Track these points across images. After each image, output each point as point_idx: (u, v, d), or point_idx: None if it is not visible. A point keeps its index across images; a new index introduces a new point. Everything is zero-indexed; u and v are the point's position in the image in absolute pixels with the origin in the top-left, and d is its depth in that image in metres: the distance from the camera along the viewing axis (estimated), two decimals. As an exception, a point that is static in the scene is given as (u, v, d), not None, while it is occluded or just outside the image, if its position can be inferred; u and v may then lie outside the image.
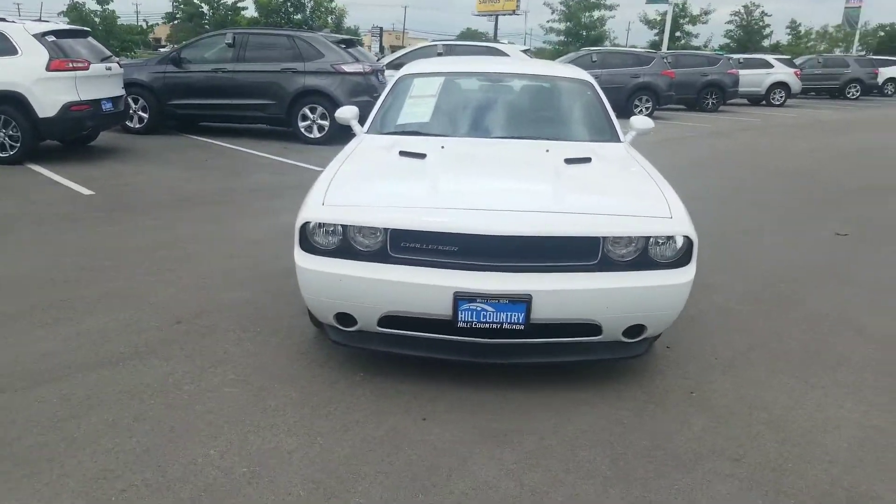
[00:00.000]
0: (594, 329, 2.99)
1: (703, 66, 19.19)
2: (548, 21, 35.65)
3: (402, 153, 3.61)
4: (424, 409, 2.95)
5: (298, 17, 22.92)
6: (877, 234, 6.22)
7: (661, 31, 31.81)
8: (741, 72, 20.16)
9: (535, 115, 4.35)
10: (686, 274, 2.96)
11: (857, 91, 25.95)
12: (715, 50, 35.97)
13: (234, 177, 7.93)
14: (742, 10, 43.74)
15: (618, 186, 3.39)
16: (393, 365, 3.30)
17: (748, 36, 43.08)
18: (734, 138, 13.56)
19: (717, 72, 18.98)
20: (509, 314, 2.86)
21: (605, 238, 2.89)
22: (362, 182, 3.30)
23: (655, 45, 34.60)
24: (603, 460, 2.63)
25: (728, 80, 19.05)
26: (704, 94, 18.85)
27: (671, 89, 16.65)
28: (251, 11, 22.89)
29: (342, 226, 2.95)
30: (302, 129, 10.57)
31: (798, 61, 25.61)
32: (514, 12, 42.05)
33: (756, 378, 3.33)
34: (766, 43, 44.98)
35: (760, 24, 44.23)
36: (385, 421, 2.85)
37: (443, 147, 3.70)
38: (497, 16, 42.60)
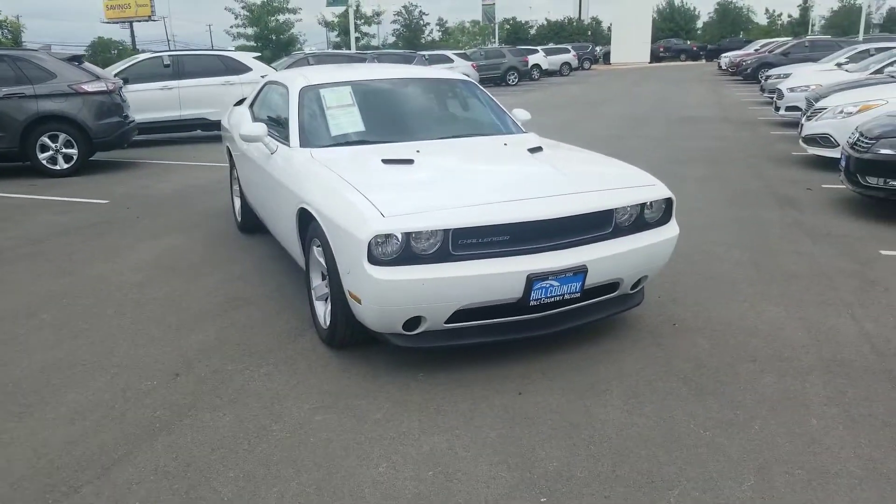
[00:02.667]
0: (614, 286, 3.56)
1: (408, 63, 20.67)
2: (232, 27, 34.68)
3: (386, 161, 3.74)
4: (510, 386, 3.23)
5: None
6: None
7: (341, 33, 33.00)
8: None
9: (456, 115, 4.73)
10: (674, 229, 3.69)
11: (515, 77, 30.09)
12: (383, 48, 38.51)
13: (10, 225, 6.74)
14: (403, 10, 47.66)
15: (598, 166, 3.97)
16: (436, 360, 3.47)
17: (413, 34, 47.01)
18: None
19: (415, 68, 20.59)
20: (570, 285, 3.28)
21: (616, 209, 3.46)
22: (395, 191, 3.38)
23: (337, 47, 35.82)
24: (678, 385, 3.22)
25: (426, 75, 20.79)
26: (409, 89, 20.33)
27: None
28: None
29: (405, 233, 3.06)
30: (44, 162, 9.21)
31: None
32: (149, 18, 39.85)
33: (703, 303, 4.21)
34: (423, 40, 49.50)
35: (420, 22, 48.61)
36: (493, 403, 3.08)
37: (418, 151, 3.90)
38: (132, 22, 40.04)
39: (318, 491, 2.50)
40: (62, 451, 2.78)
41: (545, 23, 61.85)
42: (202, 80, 12.42)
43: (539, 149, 4.10)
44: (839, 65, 16.47)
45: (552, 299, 3.28)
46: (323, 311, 3.75)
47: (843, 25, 55.38)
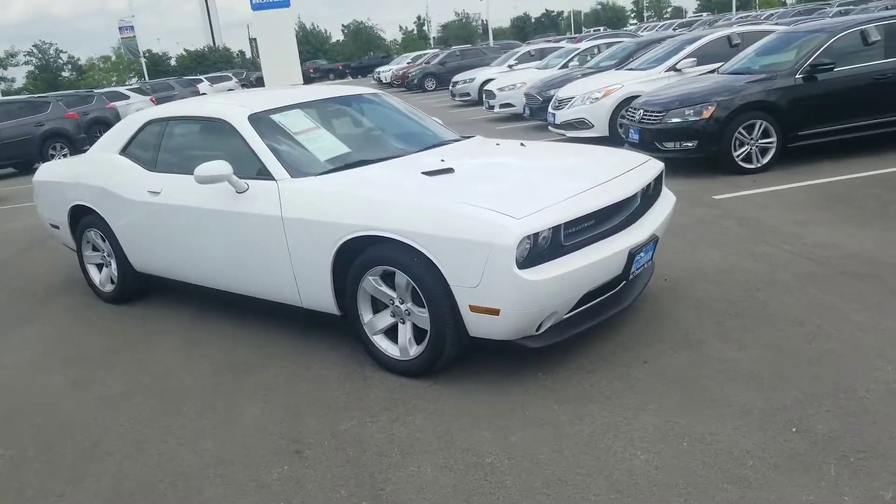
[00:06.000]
0: (648, 251, 3.95)
1: (89, 103, 18.38)
2: None
3: (427, 173, 3.60)
4: (628, 359, 3.42)
5: None
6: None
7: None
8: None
9: (410, 126, 4.60)
10: (671, 195, 4.19)
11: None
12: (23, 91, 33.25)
13: None
14: (36, 49, 41.20)
15: (595, 153, 4.25)
16: (525, 359, 3.46)
17: (52, 75, 40.95)
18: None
19: (97, 108, 18.46)
20: (648, 253, 3.60)
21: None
22: (492, 196, 3.24)
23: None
24: (742, 321, 3.72)
25: (112, 115, 18.78)
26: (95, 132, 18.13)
27: (81, 131, 15.67)
28: None
29: (534, 234, 3.06)
30: None
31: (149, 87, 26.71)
32: None
33: (674, 256, 4.79)
34: (62, 80, 43.65)
35: (60, 61, 42.56)
36: (638, 378, 3.24)
37: (442, 160, 3.80)
38: None
39: (621, 496, 2.43)
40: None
41: (184, 52, 59.37)
42: None
43: (523, 145, 4.28)
44: (511, 66, 19.06)
45: (639, 269, 3.55)
46: (392, 343, 3.49)
47: (463, 35, 63.36)
